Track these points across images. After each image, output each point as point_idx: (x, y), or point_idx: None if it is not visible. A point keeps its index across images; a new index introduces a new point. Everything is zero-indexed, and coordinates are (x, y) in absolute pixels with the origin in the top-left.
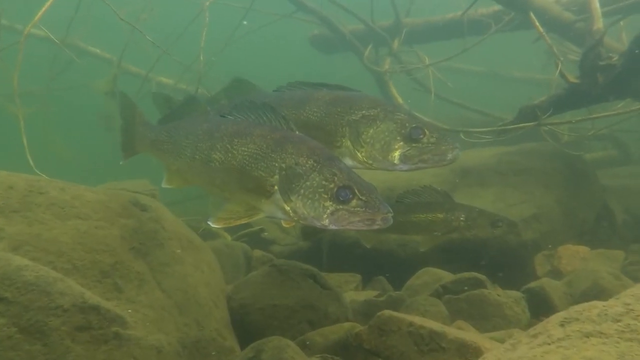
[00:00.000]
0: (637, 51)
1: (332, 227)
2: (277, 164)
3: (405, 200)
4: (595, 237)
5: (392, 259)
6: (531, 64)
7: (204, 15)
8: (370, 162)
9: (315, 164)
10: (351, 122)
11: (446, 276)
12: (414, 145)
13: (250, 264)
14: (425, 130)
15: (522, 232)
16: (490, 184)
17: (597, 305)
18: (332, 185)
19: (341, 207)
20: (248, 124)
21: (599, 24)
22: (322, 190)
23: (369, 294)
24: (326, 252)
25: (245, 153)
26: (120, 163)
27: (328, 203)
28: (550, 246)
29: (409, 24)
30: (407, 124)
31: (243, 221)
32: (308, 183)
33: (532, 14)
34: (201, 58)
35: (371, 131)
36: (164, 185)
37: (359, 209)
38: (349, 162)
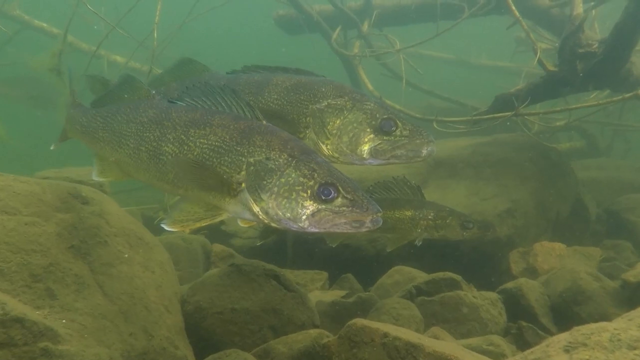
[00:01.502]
0: (618, 39)
1: (312, 229)
2: (244, 159)
3: (374, 195)
4: (568, 231)
5: (361, 256)
6: (501, 52)
7: None
8: (337, 155)
9: (289, 158)
10: (315, 112)
11: (419, 275)
12: (385, 138)
13: (209, 260)
14: (398, 121)
15: (496, 227)
16: (464, 176)
17: (607, 328)
18: (311, 182)
19: (323, 207)
20: (204, 111)
21: (579, 9)
22: (301, 188)
23: (336, 294)
24: (291, 246)
25: (204, 146)
26: (51, 148)
27: (308, 202)
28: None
29: (378, 6)
30: (377, 115)
31: (203, 224)
32: (283, 180)
33: None
34: (155, 35)
35: (338, 122)
36: (95, 177)
37: (344, 208)
38: None
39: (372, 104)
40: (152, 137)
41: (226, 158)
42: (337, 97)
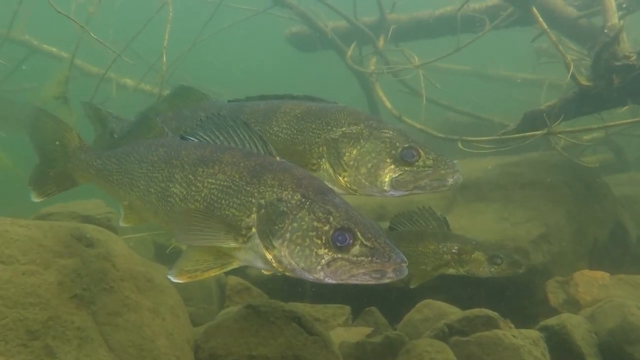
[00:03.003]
0: None
1: (329, 281)
2: (254, 200)
3: (398, 227)
4: (606, 257)
5: (385, 287)
6: (519, 64)
7: (168, 9)
8: (355, 188)
9: (303, 200)
10: (330, 141)
11: (450, 311)
12: (407, 168)
13: (224, 294)
14: (420, 150)
15: (531, 255)
16: (492, 199)
17: None
18: (326, 227)
19: (339, 255)
20: (214, 148)
21: (614, 19)
22: (314, 234)
23: (361, 332)
24: None
25: (212, 186)
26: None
27: (322, 250)
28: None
29: (394, 20)
30: (397, 144)
31: (212, 273)
32: (295, 224)
33: (534, 9)
34: (164, 59)
35: (354, 152)
36: (121, 224)
37: (363, 258)
38: None
39: (390, 132)
40: (160, 177)
41: (235, 199)
42: (352, 125)
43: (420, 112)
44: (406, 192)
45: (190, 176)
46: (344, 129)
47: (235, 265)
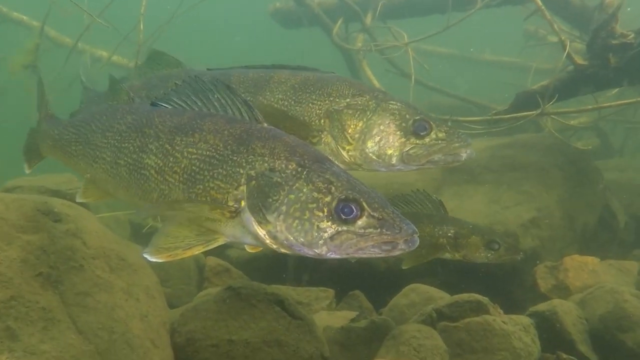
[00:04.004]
0: None
1: (332, 255)
2: (242, 171)
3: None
4: (594, 242)
5: (370, 269)
6: (506, 47)
7: None
8: (360, 162)
9: (299, 169)
10: (332, 113)
11: (438, 295)
12: (418, 142)
13: (203, 275)
14: (432, 123)
15: (520, 239)
16: (482, 181)
17: None
18: (328, 198)
19: (345, 228)
20: (192, 114)
21: None
22: (315, 205)
23: (345, 316)
24: (292, 258)
25: (193, 156)
26: (26, 172)
27: (325, 223)
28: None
29: None
30: (407, 116)
31: (195, 252)
32: (292, 196)
33: None
34: (141, 27)
35: (360, 124)
36: (78, 199)
37: (371, 230)
38: None
39: (398, 104)
40: (131, 147)
41: (220, 170)
42: (357, 96)
43: (408, 94)
44: (415, 167)
45: (167, 146)
46: (347, 100)
47: (220, 241)
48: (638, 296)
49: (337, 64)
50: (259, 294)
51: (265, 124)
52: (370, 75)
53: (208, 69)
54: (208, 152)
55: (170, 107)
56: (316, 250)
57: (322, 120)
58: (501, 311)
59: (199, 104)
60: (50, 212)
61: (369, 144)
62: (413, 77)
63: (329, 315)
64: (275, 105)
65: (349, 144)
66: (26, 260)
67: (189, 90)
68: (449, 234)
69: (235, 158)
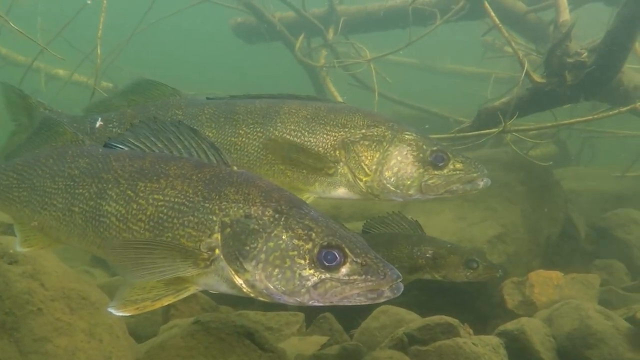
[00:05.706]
0: (611, 46)
1: (315, 304)
2: (216, 218)
3: (372, 231)
4: (557, 253)
5: None
6: (466, 57)
7: None
8: (377, 193)
9: (276, 215)
10: (348, 144)
11: (409, 317)
12: (436, 172)
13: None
14: (449, 154)
15: (487, 256)
16: (447, 198)
17: None
18: (309, 245)
19: (329, 275)
20: (154, 157)
21: (565, 15)
22: (296, 253)
23: (316, 341)
24: None
25: (159, 203)
26: None
27: (308, 272)
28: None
29: (343, 12)
30: (424, 147)
31: (165, 303)
32: (271, 244)
33: (486, 3)
34: (98, 51)
35: (377, 156)
36: (19, 249)
37: (355, 277)
38: (342, 193)
39: (412, 134)
40: (87, 194)
41: (191, 218)
42: (372, 127)
43: (372, 106)
44: (433, 196)
45: (130, 192)
46: (363, 131)
47: (192, 291)
48: (601, 312)
49: (301, 77)
50: (227, 327)
51: (235, 167)
52: (333, 91)
53: (208, 98)
54: (177, 199)
55: (126, 148)
56: (298, 299)
57: (338, 152)
58: (471, 331)
59: (160, 145)
60: (5, 254)
61: (387, 174)
62: (377, 92)
63: (300, 342)
64: (288, 137)
65: (367, 175)
66: None
67: (147, 131)
68: (427, 255)
69: (207, 205)
